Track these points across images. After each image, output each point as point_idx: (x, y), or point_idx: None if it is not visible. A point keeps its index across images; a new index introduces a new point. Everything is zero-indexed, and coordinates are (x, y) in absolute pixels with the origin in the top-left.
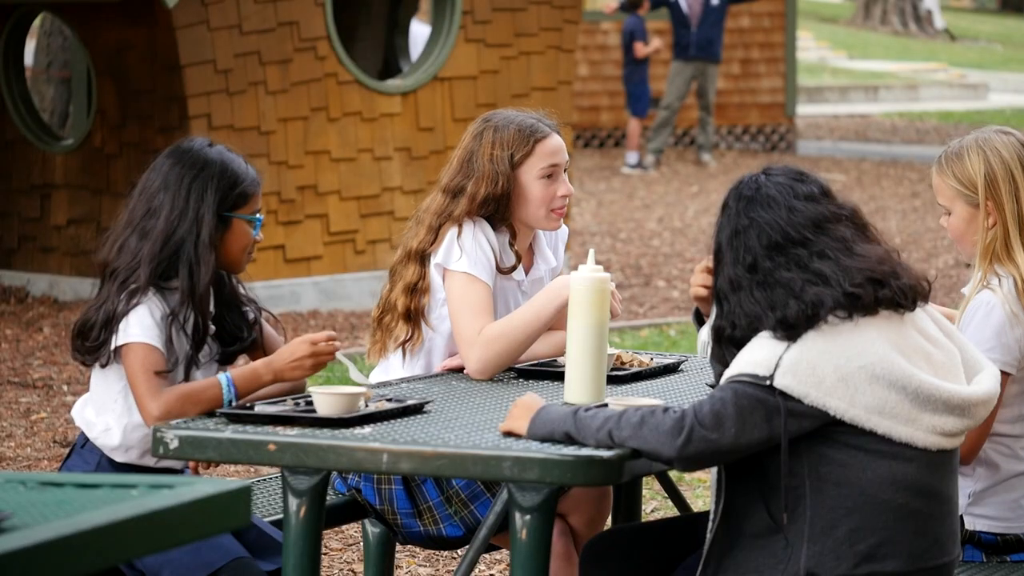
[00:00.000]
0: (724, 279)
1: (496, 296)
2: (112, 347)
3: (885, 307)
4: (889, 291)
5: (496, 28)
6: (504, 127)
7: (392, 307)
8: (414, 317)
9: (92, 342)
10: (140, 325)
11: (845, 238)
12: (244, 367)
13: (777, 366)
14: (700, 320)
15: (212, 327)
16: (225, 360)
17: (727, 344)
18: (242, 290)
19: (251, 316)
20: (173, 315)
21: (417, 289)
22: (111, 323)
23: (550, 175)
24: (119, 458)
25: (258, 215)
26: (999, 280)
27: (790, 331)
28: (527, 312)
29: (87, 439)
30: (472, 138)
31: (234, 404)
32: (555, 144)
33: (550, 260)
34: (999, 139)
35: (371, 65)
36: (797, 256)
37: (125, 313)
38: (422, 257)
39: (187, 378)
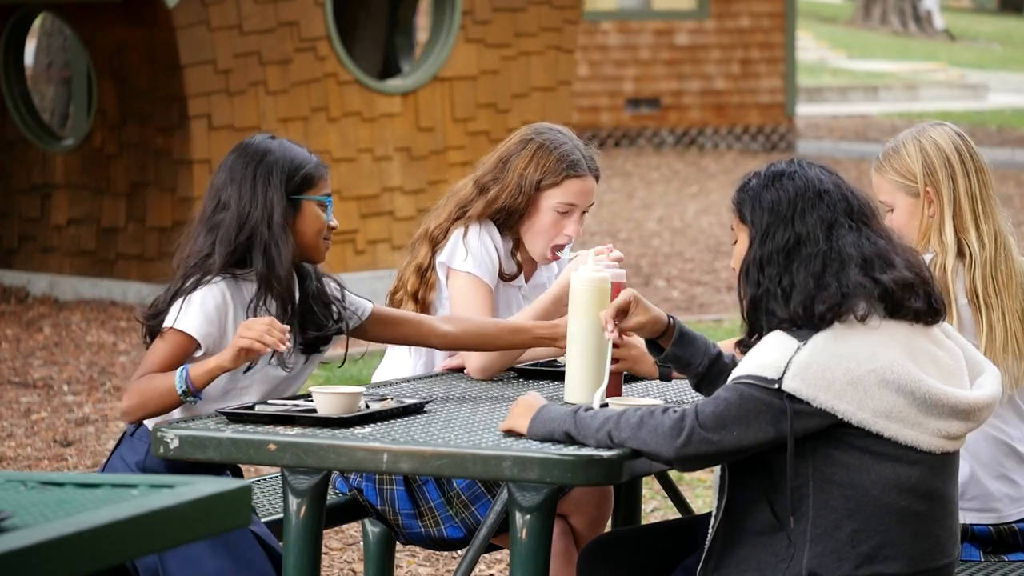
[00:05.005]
0: (784, 239)
1: (498, 301)
2: (163, 324)
3: (908, 317)
4: (914, 303)
5: (496, 28)
6: (548, 149)
7: (403, 284)
8: (421, 306)
9: (153, 308)
10: (187, 311)
11: (890, 229)
12: None
13: (786, 369)
14: (658, 348)
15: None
16: (309, 349)
17: (765, 312)
18: (331, 289)
19: (335, 312)
20: (252, 303)
21: (425, 277)
22: (175, 299)
23: (566, 212)
24: None
25: (328, 197)
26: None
27: (806, 323)
28: (526, 312)
29: (136, 427)
30: (517, 143)
31: (190, 387)
32: (584, 187)
33: (552, 267)
34: (933, 130)
35: (371, 65)
36: (859, 229)
37: (187, 293)
38: (435, 243)
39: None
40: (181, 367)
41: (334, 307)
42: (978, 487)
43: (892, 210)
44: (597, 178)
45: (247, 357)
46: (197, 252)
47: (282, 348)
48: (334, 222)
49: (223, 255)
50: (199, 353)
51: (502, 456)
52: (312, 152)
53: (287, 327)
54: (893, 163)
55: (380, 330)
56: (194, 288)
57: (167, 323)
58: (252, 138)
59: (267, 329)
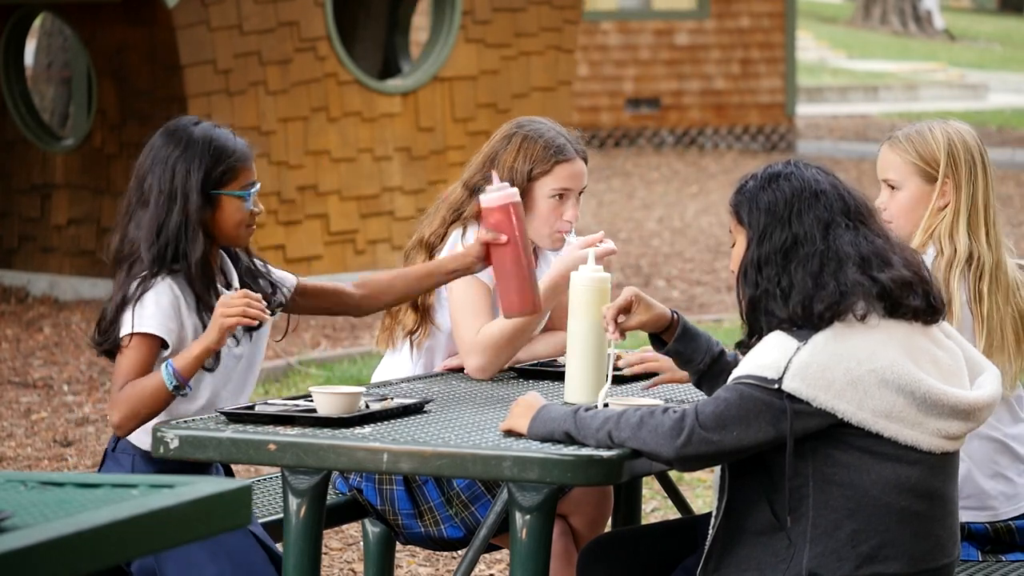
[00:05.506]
0: (782, 240)
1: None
2: (120, 334)
3: (907, 316)
4: (913, 302)
5: (496, 28)
6: (533, 139)
7: None
8: (421, 308)
9: (104, 333)
10: (141, 314)
11: (888, 228)
12: None
13: (786, 369)
14: (661, 343)
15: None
16: (249, 327)
17: (764, 312)
18: (257, 265)
19: (267, 285)
20: (195, 297)
21: None
22: (121, 310)
23: (560, 196)
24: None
25: (250, 188)
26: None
27: (806, 323)
28: None
29: (118, 440)
30: (501, 139)
31: (180, 380)
32: (575, 169)
33: (552, 261)
34: (959, 124)
35: (371, 65)
36: (856, 229)
37: (135, 299)
38: (431, 250)
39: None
40: (164, 363)
41: (262, 281)
42: (973, 485)
43: (895, 188)
44: (586, 160)
45: (232, 334)
46: (128, 252)
47: (266, 318)
48: (257, 208)
49: (149, 257)
50: (166, 352)
51: (502, 456)
52: (239, 135)
53: (260, 295)
54: (916, 144)
55: (305, 302)
56: (141, 292)
57: (125, 330)
58: (178, 122)
59: (247, 302)
